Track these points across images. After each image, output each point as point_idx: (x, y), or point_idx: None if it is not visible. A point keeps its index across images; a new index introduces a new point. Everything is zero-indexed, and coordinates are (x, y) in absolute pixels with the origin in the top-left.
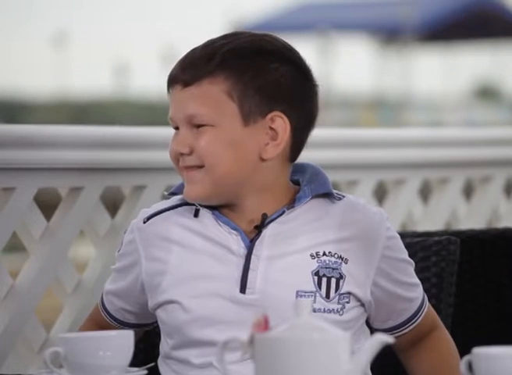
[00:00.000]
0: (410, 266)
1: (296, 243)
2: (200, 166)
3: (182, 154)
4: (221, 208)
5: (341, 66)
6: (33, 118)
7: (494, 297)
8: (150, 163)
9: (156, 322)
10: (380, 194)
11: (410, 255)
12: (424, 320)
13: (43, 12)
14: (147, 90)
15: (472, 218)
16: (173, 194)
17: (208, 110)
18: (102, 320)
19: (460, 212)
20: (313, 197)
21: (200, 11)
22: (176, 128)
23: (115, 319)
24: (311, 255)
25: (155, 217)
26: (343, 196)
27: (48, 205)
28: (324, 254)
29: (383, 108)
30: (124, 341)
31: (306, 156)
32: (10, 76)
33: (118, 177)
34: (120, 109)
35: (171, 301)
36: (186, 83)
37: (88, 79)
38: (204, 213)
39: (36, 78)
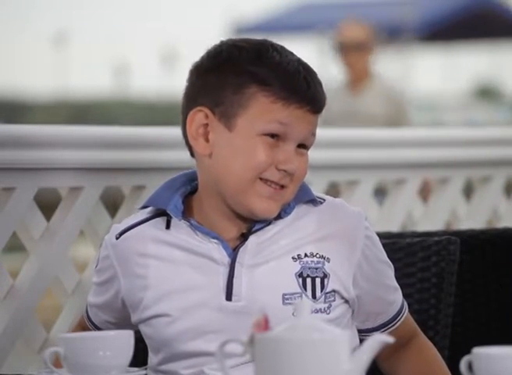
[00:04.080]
0: (390, 269)
1: (277, 248)
2: (284, 186)
3: (288, 173)
4: (200, 217)
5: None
6: (33, 118)
7: (494, 297)
8: (150, 163)
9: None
10: (380, 194)
11: (410, 255)
12: (402, 326)
13: (43, 12)
14: (147, 90)
15: (472, 218)
16: (145, 207)
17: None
18: (89, 330)
19: (460, 212)
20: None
21: (200, 11)
22: (276, 137)
23: (101, 330)
24: (293, 258)
25: (128, 232)
26: (324, 200)
27: (48, 205)
28: (305, 255)
29: None
30: (124, 341)
31: None
32: (10, 76)
33: (118, 177)
34: (120, 109)
35: (156, 316)
36: (319, 110)
37: (88, 79)
38: (179, 224)
39: (36, 78)
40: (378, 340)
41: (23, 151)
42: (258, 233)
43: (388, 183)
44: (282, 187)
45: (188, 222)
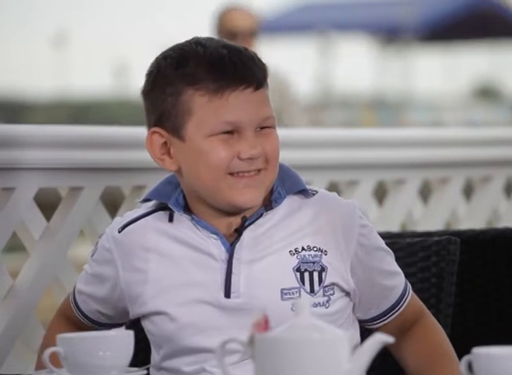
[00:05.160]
0: (388, 255)
1: (274, 242)
2: (261, 169)
3: (252, 159)
4: (199, 213)
5: (341, 66)
6: (33, 118)
7: (494, 297)
8: (150, 163)
9: (130, 320)
10: (380, 194)
11: (410, 255)
12: (407, 309)
13: (43, 12)
14: None
15: (472, 218)
16: (146, 200)
17: (273, 112)
18: (74, 317)
19: (460, 212)
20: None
21: (200, 11)
22: (229, 132)
23: (89, 319)
24: (290, 252)
25: (130, 226)
26: (316, 191)
27: (48, 205)
28: (303, 249)
29: (383, 109)
30: (124, 341)
31: (306, 156)
32: (10, 76)
33: (118, 177)
34: (120, 109)
35: (157, 313)
36: (259, 85)
37: (88, 79)
38: (181, 218)
39: (36, 78)
40: (379, 340)
41: (24, 151)
42: (251, 227)
43: (388, 183)
44: (259, 171)
45: (189, 216)
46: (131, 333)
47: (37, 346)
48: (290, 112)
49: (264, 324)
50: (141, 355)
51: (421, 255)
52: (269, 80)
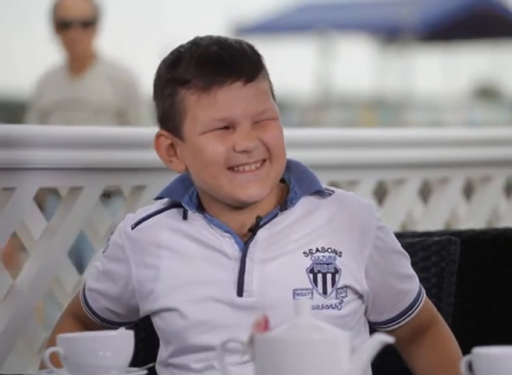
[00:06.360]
0: (404, 258)
1: (288, 243)
2: (265, 160)
3: (248, 151)
4: (212, 211)
5: (341, 66)
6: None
7: (494, 297)
8: (150, 163)
9: (140, 319)
10: (380, 194)
11: (410, 255)
12: (421, 313)
13: (43, 12)
14: (147, 89)
15: (472, 218)
16: (159, 198)
17: (272, 104)
18: (83, 316)
19: (460, 212)
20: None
21: (201, 11)
22: (224, 128)
23: (99, 317)
24: (304, 253)
25: (144, 222)
26: (333, 191)
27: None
28: (317, 250)
29: (383, 108)
30: (124, 341)
31: (306, 156)
32: (10, 76)
33: (118, 177)
34: None
35: (168, 309)
36: (249, 79)
37: None
38: (194, 216)
39: (36, 78)
40: (379, 340)
41: (23, 151)
42: (267, 226)
43: (388, 183)
44: (263, 162)
45: (202, 214)
46: (131, 333)
47: (37, 346)
48: (137, 105)
49: (264, 324)
50: (141, 355)
51: (421, 255)
52: (111, 75)
